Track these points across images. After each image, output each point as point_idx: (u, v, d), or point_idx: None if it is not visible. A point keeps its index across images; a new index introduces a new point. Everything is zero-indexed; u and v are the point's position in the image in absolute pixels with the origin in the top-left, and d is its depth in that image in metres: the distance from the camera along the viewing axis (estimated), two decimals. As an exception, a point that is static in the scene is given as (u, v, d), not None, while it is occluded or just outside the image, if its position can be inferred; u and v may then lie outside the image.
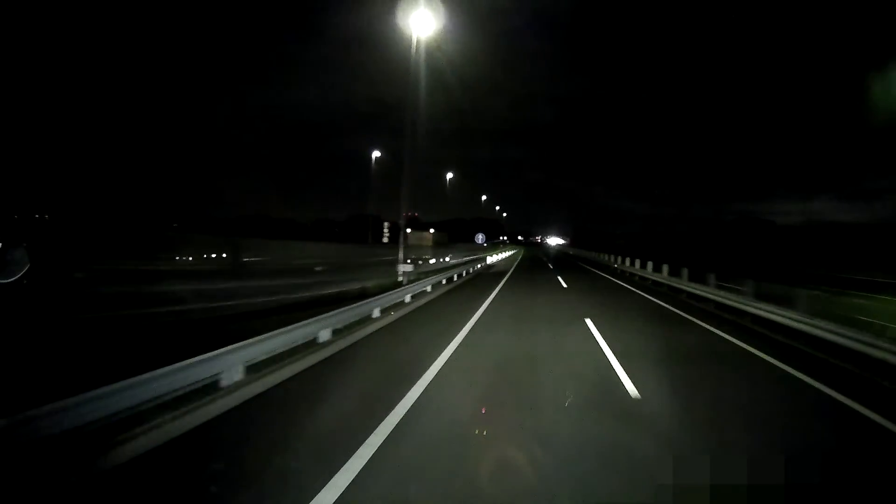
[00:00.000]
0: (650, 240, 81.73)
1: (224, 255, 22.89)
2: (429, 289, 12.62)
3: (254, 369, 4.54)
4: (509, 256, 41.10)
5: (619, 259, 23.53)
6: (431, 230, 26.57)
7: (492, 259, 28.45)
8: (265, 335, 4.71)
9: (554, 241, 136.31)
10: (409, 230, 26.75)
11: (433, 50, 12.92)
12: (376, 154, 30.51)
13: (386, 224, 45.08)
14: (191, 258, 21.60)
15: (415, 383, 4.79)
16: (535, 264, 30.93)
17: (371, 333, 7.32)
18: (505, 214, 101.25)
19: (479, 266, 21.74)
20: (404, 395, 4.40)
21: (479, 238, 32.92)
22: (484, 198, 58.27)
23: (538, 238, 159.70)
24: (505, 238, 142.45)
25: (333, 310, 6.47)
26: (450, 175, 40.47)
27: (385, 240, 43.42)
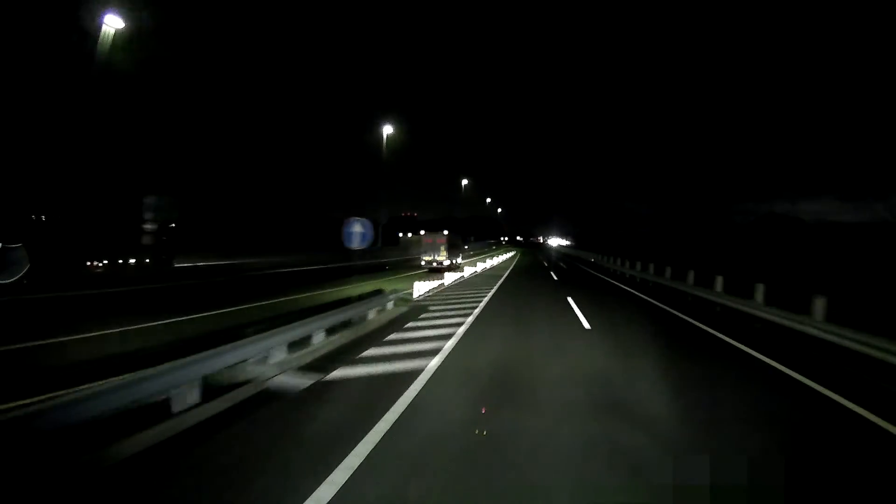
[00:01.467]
0: (666, 243, 67.36)
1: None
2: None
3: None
4: (493, 269, 24.58)
5: (666, 271, 15.42)
6: (445, 231, 24.47)
7: (424, 288, 12.76)
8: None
9: (556, 241, 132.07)
10: (422, 231, 25.43)
11: None
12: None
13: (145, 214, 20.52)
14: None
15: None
16: (535, 292, 14.21)
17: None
18: (500, 210, 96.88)
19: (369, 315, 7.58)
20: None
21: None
22: (465, 182, 50.83)
23: (539, 238, 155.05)
24: (505, 238, 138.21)
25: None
26: (390, 129, 28.69)
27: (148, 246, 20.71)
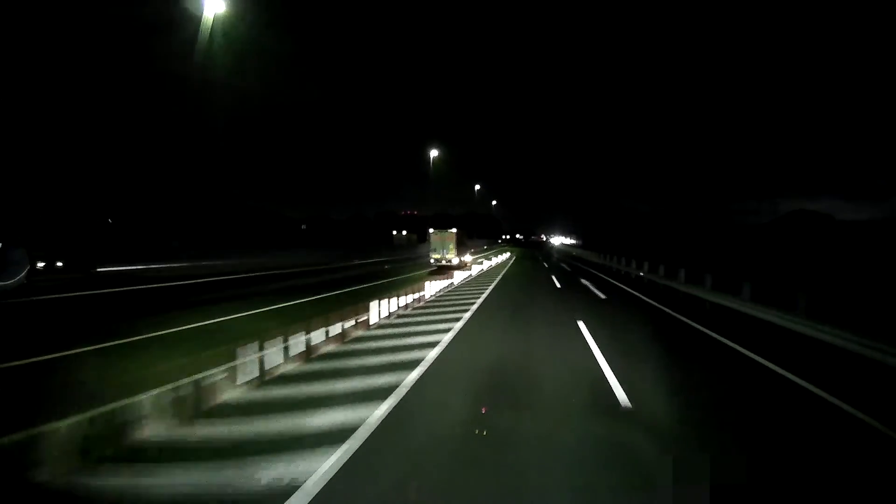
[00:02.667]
0: (689, 244, 57.64)
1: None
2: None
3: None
4: (443, 309, 13.43)
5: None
6: (454, 229, 23.39)
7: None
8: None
9: (558, 240, 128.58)
10: (430, 229, 24.62)
11: None
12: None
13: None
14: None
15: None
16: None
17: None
18: (495, 203, 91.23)
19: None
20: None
21: None
22: (434, 153, 40.01)
23: (542, 237, 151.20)
24: (505, 237, 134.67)
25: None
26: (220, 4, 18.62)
27: None
